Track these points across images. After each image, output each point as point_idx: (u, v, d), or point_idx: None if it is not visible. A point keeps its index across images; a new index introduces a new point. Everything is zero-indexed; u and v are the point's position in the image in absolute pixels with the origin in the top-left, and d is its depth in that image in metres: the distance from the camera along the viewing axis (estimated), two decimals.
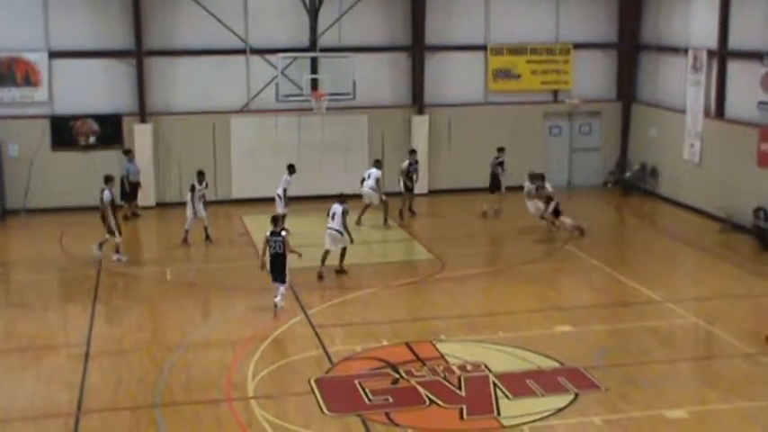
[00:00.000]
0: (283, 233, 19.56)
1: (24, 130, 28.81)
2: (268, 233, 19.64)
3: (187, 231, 25.34)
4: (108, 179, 24.38)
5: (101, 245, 23.92)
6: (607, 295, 21.59)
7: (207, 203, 25.78)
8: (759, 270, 22.94)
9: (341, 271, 22.49)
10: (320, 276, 22.08)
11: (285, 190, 25.97)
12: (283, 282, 19.48)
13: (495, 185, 28.41)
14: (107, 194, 23.83)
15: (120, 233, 23.92)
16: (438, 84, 31.46)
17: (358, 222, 26.23)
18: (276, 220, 19.93)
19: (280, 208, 25.32)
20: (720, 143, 27.58)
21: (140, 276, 22.94)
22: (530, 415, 14.78)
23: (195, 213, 25.27)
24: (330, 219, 22.30)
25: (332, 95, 28.35)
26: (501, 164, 28.53)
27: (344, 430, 14.39)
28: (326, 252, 22.32)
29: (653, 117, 31.33)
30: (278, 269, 19.50)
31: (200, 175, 25.80)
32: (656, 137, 31.06)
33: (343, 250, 22.51)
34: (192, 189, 25.41)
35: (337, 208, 22.23)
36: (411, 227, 27.36)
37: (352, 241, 22.67)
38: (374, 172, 26.94)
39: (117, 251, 23.89)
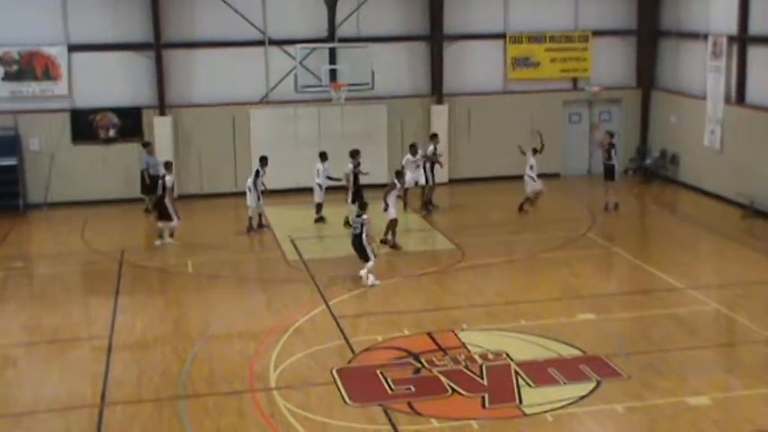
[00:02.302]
0: (365, 216, 20.57)
1: (45, 123, 28.94)
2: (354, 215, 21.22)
3: (251, 218, 25.76)
4: (167, 165, 25.06)
5: (170, 234, 24.68)
6: (629, 283, 21.54)
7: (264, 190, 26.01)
8: None
9: (384, 241, 23.70)
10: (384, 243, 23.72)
11: (327, 178, 26.44)
12: (366, 260, 20.72)
13: (609, 173, 27.61)
14: (168, 179, 24.42)
15: (178, 217, 24.64)
16: (457, 73, 31.36)
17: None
18: (363, 206, 20.93)
19: (318, 197, 25.74)
20: (741, 129, 27.43)
21: (162, 268, 23.02)
22: (552, 403, 14.77)
23: (259, 199, 25.53)
24: None
25: (351, 86, 28.34)
26: (613, 147, 27.74)
27: (367, 420, 14.41)
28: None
29: (673, 104, 31.18)
30: (356, 249, 20.92)
31: (264, 159, 25.88)
32: (676, 123, 30.92)
33: (390, 222, 23.78)
34: (257, 174, 25.57)
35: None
36: (431, 216, 27.32)
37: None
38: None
39: (171, 235, 24.71)
